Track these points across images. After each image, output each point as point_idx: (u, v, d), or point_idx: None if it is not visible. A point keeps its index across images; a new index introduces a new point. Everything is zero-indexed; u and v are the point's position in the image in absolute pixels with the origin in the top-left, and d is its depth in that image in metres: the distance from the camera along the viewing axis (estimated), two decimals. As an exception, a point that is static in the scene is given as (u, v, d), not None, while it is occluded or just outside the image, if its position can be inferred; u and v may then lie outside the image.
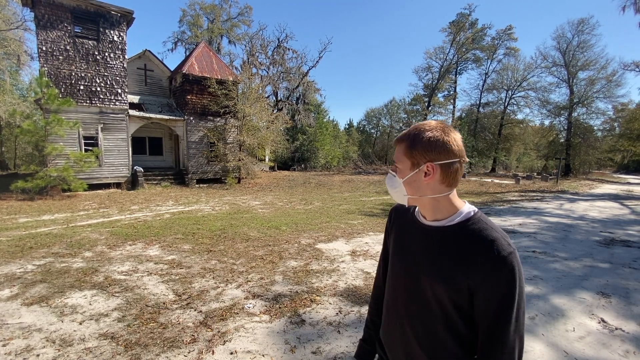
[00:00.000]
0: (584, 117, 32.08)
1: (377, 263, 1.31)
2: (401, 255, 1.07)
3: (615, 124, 33.81)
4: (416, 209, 1.09)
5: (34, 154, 17.88)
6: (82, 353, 2.57)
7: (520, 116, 36.15)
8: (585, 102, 30.89)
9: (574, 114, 31.53)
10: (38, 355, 2.53)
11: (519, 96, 34.94)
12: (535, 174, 32.20)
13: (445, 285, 0.91)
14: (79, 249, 5.36)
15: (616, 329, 3.12)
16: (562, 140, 33.26)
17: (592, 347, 2.81)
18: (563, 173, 28.52)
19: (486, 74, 36.77)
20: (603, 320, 3.27)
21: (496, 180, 24.00)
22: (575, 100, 31.02)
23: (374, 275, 4.38)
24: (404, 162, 0.96)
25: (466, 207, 0.98)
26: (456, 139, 0.93)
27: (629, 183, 26.99)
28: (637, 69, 27.32)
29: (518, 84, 34.22)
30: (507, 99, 35.20)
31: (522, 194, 16.08)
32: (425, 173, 0.93)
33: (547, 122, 35.77)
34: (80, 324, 3.03)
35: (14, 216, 8.25)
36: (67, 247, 5.45)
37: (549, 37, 57.09)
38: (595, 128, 33.04)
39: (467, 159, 0.98)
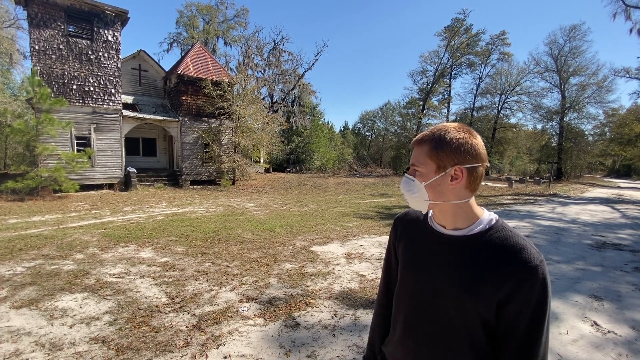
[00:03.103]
0: (576, 122, 32.62)
1: (380, 276, 1.23)
2: (417, 270, 0.97)
3: (606, 129, 34.44)
4: (429, 217, 1.01)
5: (24, 154, 17.59)
6: (73, 357, 2.52)
7: (513, 120, 36.66)
8: (577, 107, 31.38)
9: (566, 119, 32.00)
10: (26, 360, 2.47)
11: (512, 100, 35.40)
12: (528, 177, 32.55)
13: (472, 300, 0.84)
14: (69, 251, 5.28)
15: (609, 332, 3.14)
16: (554, 144, 33.71)
17: (585, 350, 2.83)
18: (555, 177, 28.87)
19: (480, 78, 37.15)
20: (596, 324, 3.30)
21: (489, 184, 24.21)
22: (567, 105, 31.48)
23: (369, 277, 4.39)
24: (428, 165, 0.89)
25: (487, 215, 0.93)
26: (480, 142, 0.89)
27: (619, 187, 27.41)
28: (627, 75, 27.84)
29: (511, 88, 34.65)
30: (501, 103, 35.63)
31: (515, 197, 16.23)
32: (452, 177, 0.87)
33: (539, 127, 36.25)
34: (71, 327, 2.97)
35: (3, 217, 8.09)
36: (57, 249, 5.36)
37: (542, 42, 58.06)
38: (586, 133, 33.62)
39: (488, 164, 0.93)
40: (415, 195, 0.91)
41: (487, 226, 0.90)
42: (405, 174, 0.95)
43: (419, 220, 1.05)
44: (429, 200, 0.90)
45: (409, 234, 1.05)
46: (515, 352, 0.83)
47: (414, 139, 0.94)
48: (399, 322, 1.02)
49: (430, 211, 1.02)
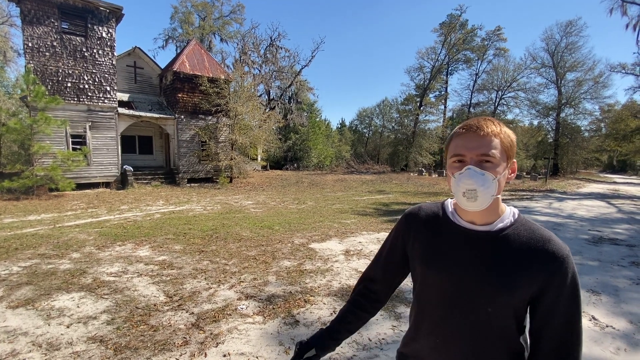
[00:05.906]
0: (572, 118, 32.84)
1: (375, 260, 1.15)
2: (443, 267, 0.93)
3: (602, 125, 34.65)
4: (449, 213, 0.98)
5: (20, 153, 17.46)
6: (70, 357, 2.49)
7: (510, 116, 36.67)
8: (573, 102, 31.54)
9: (562, 115, 32.16)
10: (23, 360, 2.45)
11: (509, 96, 35.46)
12: (525, 173, 32.65)
13: (508, 294, 0.84)
14: (66, 250, 5.24)
15: (607, 326, 3.16)
16: (550, 140, 33.91)
17: (584, 344, 2.83)
18: (551, 172, 29.01)
19: (476, 74, 37.21)
20: (594, 318, 3.32)
21: (487, 180, 24.25)
22: (563, 101, 31.62)
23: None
24: (502, 158, 0.86)
25: (508, 208, 0.93)
26: None
27: (615, 182, 27.61)
28: (623, 71, 27.98)
29: (508, 84, 34.69)
30: (497, 100, 35.67)
31: (512, 193, 16.29)
32: (511, 170, 0.91)
33: (535, 123, 36.48)
34: (68, 327, 2.94)
35: (-2, 216, 8.02)
36: (54, 248, 5.32)
37: (538, 38, 58.16)
38: (582, 128, 33.86)
39: None
40: (487, 190, 0.83)
41: (512, 219, 0.91)
42: (472, 167, 0.84)
43: (437, 216, 1.00)
44: (496, 195, 0.86)
45: (427, 229, 1.00)
46: (554, 342, 0.85)
47: (475, 127, 0.86)
48: (424, 320, 0.99)
49: (451, 206, 1.00)
